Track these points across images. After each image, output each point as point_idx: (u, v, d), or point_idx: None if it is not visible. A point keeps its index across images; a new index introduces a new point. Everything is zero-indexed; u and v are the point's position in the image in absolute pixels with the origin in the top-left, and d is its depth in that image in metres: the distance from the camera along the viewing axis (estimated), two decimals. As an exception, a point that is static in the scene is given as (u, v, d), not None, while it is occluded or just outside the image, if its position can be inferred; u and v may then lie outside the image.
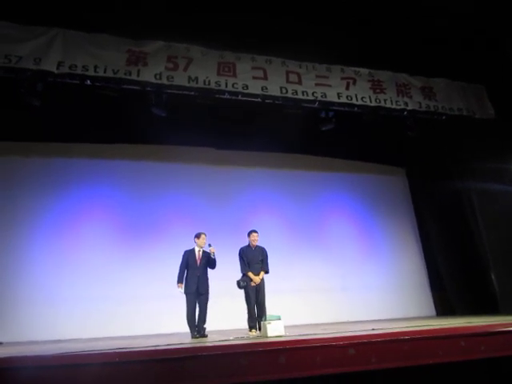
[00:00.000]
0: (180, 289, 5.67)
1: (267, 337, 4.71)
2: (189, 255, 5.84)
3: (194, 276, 5.69)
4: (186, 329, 5.72)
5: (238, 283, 5.86)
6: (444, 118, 7.74)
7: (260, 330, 5.59)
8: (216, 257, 5.78)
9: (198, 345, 3.98)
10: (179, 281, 5.73)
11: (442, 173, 9.31)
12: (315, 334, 4.43)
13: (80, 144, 8.27)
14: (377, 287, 9.28)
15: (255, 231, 6.15)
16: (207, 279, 5.81)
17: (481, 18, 6.81)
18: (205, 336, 5.47)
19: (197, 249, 5.88)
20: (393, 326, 5.01)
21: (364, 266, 9.48)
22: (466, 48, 7.30)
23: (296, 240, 9.12)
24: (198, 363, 3.09)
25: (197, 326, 5.58)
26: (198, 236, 5.94)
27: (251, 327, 5.74)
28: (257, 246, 6.11)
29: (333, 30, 6.76)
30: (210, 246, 5.81)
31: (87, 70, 5.89)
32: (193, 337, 5.43)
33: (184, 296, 5.71)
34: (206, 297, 5.71)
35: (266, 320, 4.91)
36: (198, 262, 5.80)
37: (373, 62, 7.45)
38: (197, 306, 5.65)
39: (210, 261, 5.82)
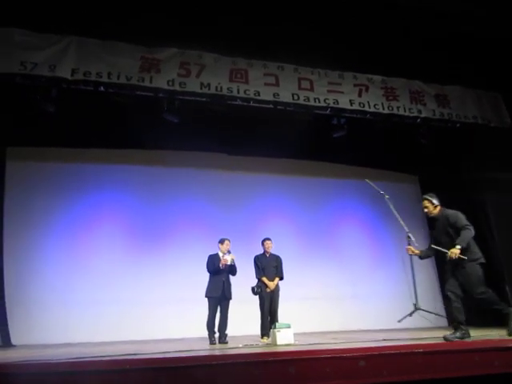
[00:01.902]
0: (227, 259, 5.73)
1: (276, 345, 4.70)
2: (214, 259, 5.88)
3: (220, 280, 5.75)
4: (196, 334, 5.74)
5: (253, 289, 5.89)
6: (458, 125, 7.65)
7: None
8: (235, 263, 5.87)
9: (208, 353, 3.98)
10: (217, 266, 5.74)
11: (456, 181, 9.17)
12: (325, 344, 4.40)
13: (93, 149, 8.34)
14: (387, 296, 9.15)
15: (269, 239, 6.22)
16: (230, 284, 5.87)
17: (497, 24, 6.73)
18: (226, 342, 5.49)
19: (221, 254, 5.94)
20: (404, 337, 4.95)
21: (375, 273, 9.37)
22: (481, 55, 7.21)
23: (306, 247, 9.07)
24: (208, 372, 3.09)
25: (218, 332, 5.60)
26: (221, 242, 6.01)
27: (263, 334, 5.74)
28: (271, 253, 6.18)
29: (346, 36, 6.73)
30: (229, 252, 5.86)
31: (101, 76, 5.96)
32: (211, 343, 5.44)
33: (200, 300, 5.74)
34: (228, 302, 5.75)
35: (275, 328, 4.91)
36: (223, 266, 5.85)
37: (386, 69, 7.40)
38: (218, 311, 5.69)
39: (230, 267, 5.87)
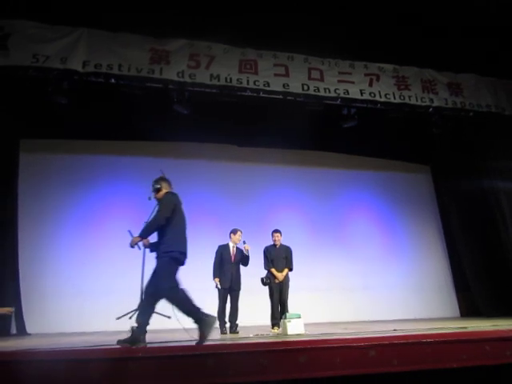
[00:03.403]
0: (217, 282, 5.74)
1: (287, 335, 4.73)
2: (223, 250, 5.89)
3: (228, 272, 5.76)
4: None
5: (262, 280, 5.92)
6: (471, 114, 7.53)
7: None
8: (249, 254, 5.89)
9: (219, 342, 4.02)
10: (215, 275, 5.80)
11: (469, 171, 9.07)
12: (336, 334, 4.42)
13: (105, 141, 8.44)
14: (399, 286, 9.14)
15: (277, 231, 6.21)
16: (240, 276, 5.87)
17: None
18: (236, 332, 5.53)
19: (231, 244, 5.96)
20: (415, 327, 4.94)
21: (386, 264, 9.36)
22: (496, 42, 7.06)
23: (318, 238, 9.07)
24: (219, 360, 3.12)
25: (229, 322, 5.64)
26: (234, 232, 6.01)
27: (274, 324, 5.79)
28: (281, 244, 6.17)
29: (356, 25, 6.64)
30: (244, 243, 5.87)
31: (112, 68, 6.00)
32: (222, 332, 5.49)
33: (210, 290, 5.78)
34: (238, 293, 5.77)
35: (286, 318, 4.94)
36: (233, 258, 5.87)
37: (398, 57, 7.30)
38: (228, 301, 5.74)
39: (243, 258, 5.89)
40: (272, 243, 6.21)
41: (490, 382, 3.13)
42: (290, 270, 6.11)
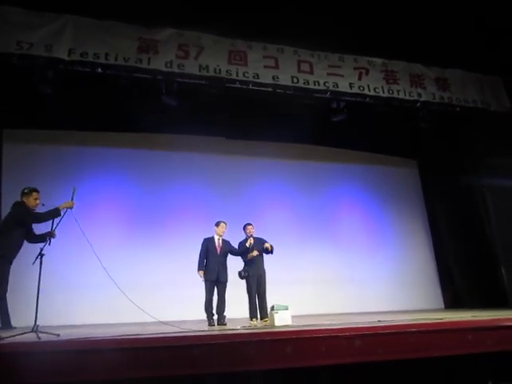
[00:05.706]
0: (201, 275, 5.73)
1: (274, 326, 4.75)
2: (208, 243, 5.87)
3: (215, 264, 5.74)
4: (197, 316, 5.80)
5: (240, 273, 5.90)
6: (458, 109, 7.61)
7: (261, 319, 5.66)
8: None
9: (207, 333, 4.03)
10: (200, 268, 5.77)
11: (455, 166, 9.18)
12: (322, 325, 4.46)
13: (92, 132, 8.28)
14: (385, 279, 9.25)
15: (250, 224, 6.14)
16: (227, 268, 5.86)
17: (498, 7, 6.64)
18: (224, 324, 5.54)
19: (216, 237, 5.92)
20: (400, 318, 5.01)
21: (373, 258, 9.45)
22: (482, 38, 7.13)
23: (305, 231, 9.11)
24: (206, 351, 3.14)
25: (217, 314, 5.65)
26: (217, 224, 5.98)
27: (252, 317, 5.78)
28: (254, 237, 6.08)
29: (346, 18, 6.64)
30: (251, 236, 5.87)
31: (98, 57, 5.87)
32: (209, 324, 5.49)
33: (198, 283, 5.77)
34: (225, 285, 5.77)
35: (273, 310, 4.96)
36: (218, 250, 5.84)
37: (387, 51, 7.32)
38: (215, 294, 5.72)
39: (232, 250, 5.90)
40: (245, 237, 6.07)
41: (471, 370, 3.20)
42: (272, 250, 6.03)
